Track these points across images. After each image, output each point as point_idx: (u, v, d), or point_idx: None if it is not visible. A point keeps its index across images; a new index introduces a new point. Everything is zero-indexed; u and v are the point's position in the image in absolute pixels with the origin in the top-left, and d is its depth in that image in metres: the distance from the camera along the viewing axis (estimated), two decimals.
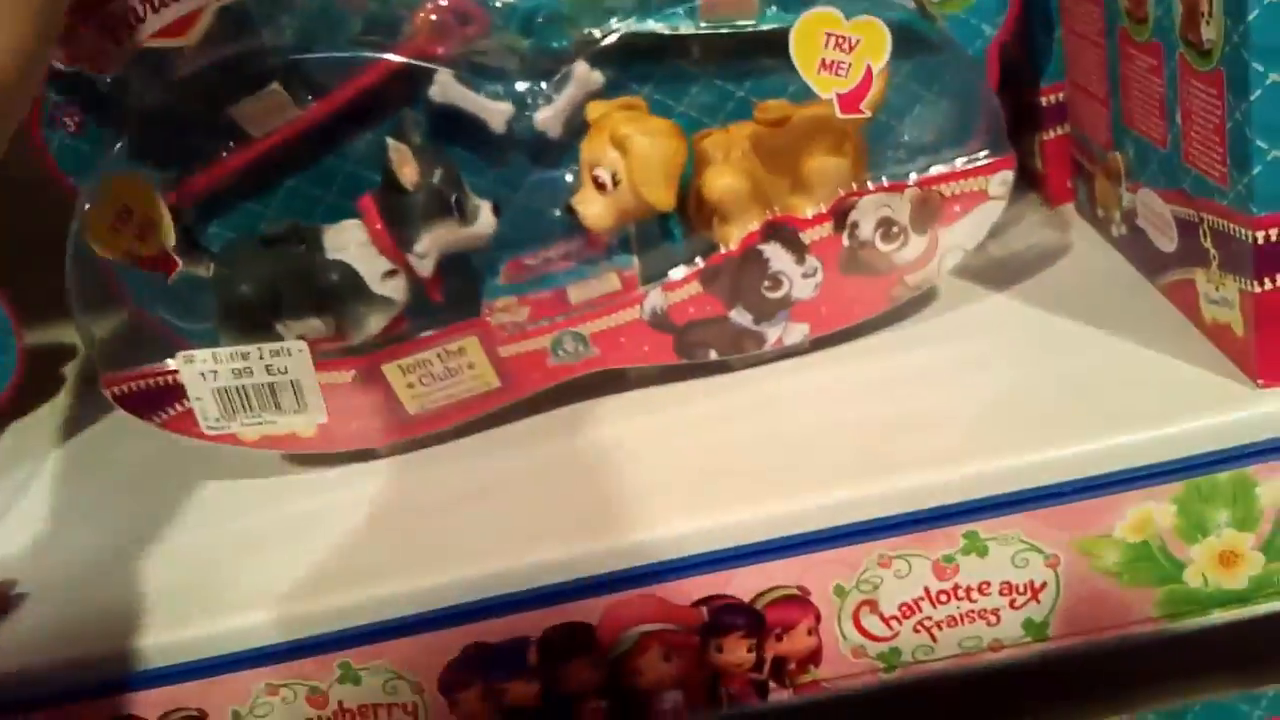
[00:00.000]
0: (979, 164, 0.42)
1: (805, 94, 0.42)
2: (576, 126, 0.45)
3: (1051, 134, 0.53)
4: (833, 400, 0.42)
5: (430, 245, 0.41)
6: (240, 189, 0.46)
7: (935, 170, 0.42)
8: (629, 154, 0.40)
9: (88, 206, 0.39)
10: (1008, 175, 0.42)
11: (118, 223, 0.39)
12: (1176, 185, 0.40)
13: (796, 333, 0.44)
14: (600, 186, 0.42)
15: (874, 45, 0.38)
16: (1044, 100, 0.53)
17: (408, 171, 0.40)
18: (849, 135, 0.41)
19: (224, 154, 0.44)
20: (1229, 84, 0.34)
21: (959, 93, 0.46)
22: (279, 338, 0.43)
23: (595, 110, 0.43)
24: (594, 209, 0.42)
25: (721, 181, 0.42)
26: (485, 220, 0.42)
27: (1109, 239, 0.49)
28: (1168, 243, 0.42)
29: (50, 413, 0.61)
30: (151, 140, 0.42)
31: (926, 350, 0.44)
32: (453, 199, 0.41)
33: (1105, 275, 0.46)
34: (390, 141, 0.39)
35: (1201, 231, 0.38)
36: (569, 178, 0.47)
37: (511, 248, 0.48)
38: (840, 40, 0.38)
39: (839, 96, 0.39)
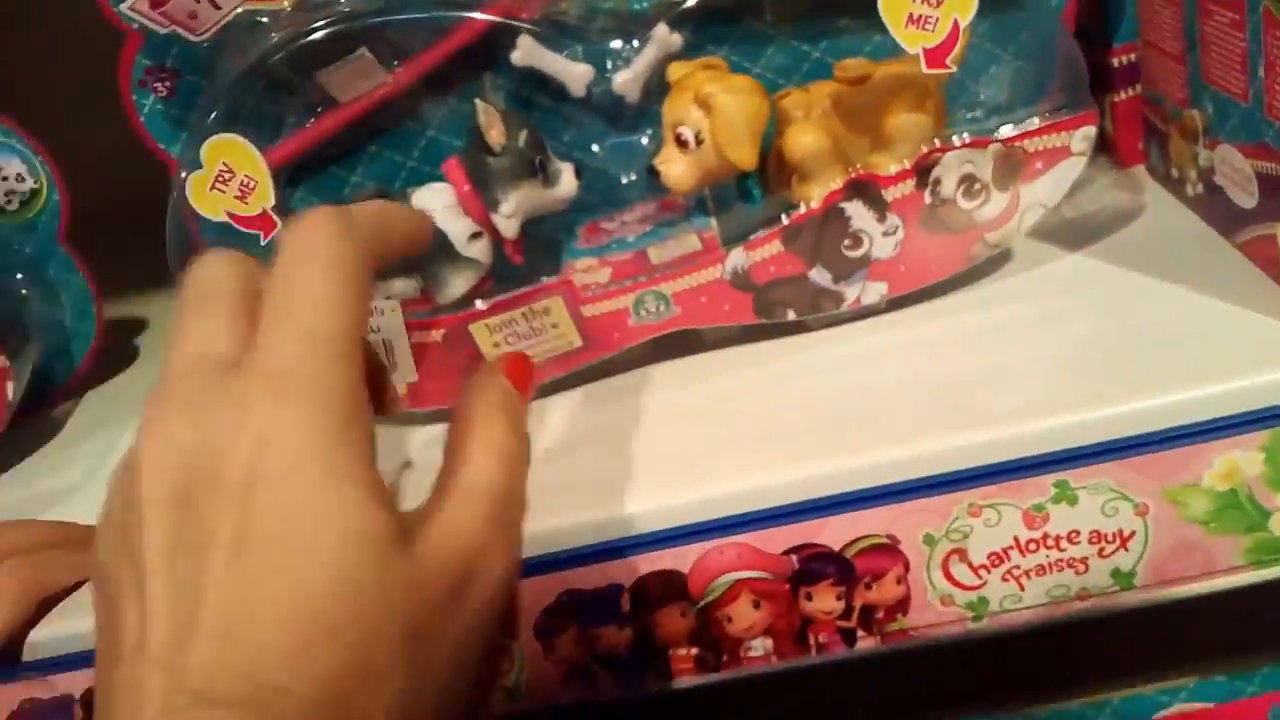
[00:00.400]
0: (1062, 119, 0.42)
1: (881, 53, 0.43)
2: (653, 89, 0.46)
3: (1122, 95, 0.53)
4: (916, 356, 0.42)
5: (516, 206, 0.42)
6: (326, 154, 0.47)
7: (1019, 126, 0.43)
8: (714, 112, 0.41)
9: (187, 172, 0.40)
10: (1090, 131, 0.42)
11: (219, 183, 0.40)
12: (1258, 139, 0.40)
13: (874, 292, 0.45)
14: (683, 145, 0.42)
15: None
16: (1115, 61, 0.53)
17: (495, 133, 0.41)
18: (931, 92, 0.42)
19: (311, 119, 0.45)
20: None
21: (1040, 47, 0.46)
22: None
23: (677, 70, 0.43)
24: (677, 168, 0.42)
25: (804, 139, 0.42)
26: (568, 183, 0.43)
27: (1183, 199, 0.49)
28: (1248, 199, 0.42)
29: (128, 381, 0.63)
30: (244, 105, 0.43)
31: (1005, 308, 0.44)
32: (537, 161, 0.42)
33: (1181, 233, 0.47)
34: (479, 103, 0.40)
35: None
36: (645, 141, 0.48)
37: (588, 211, 0.49)
38: None
39: (925, 52, 0.39)
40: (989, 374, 0.40)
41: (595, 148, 0.49)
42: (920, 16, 0.38)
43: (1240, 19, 0.40)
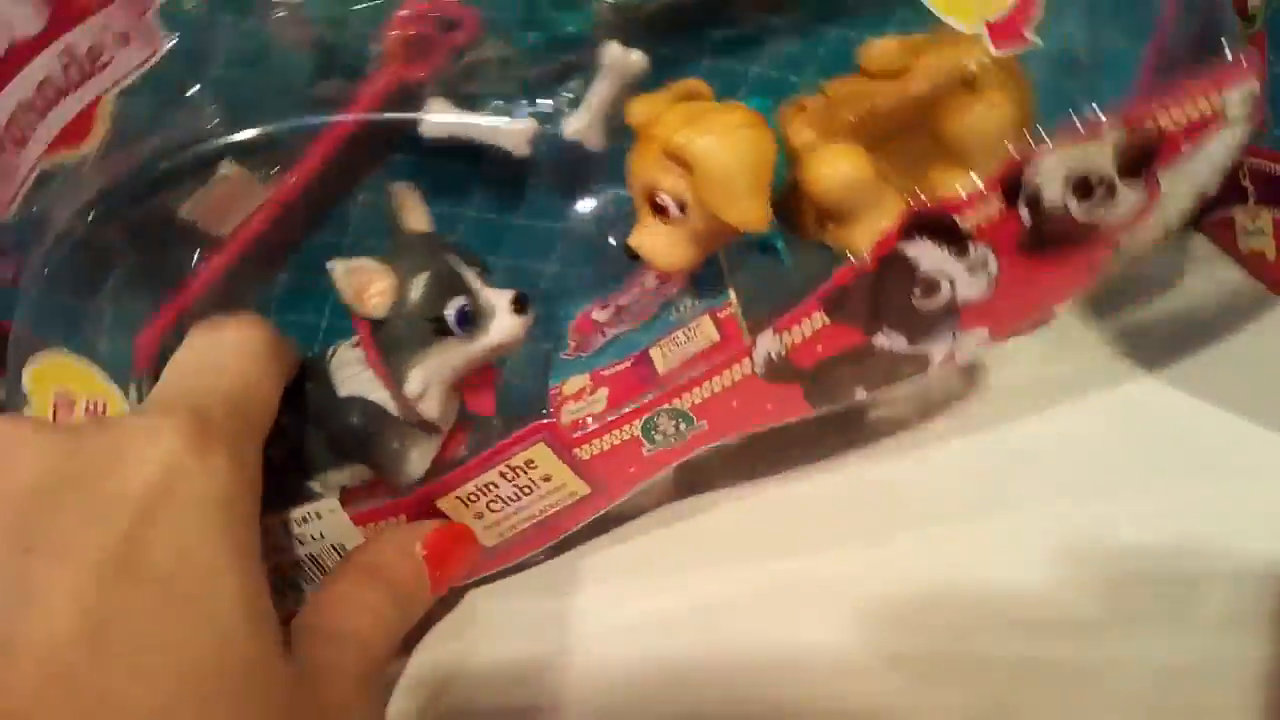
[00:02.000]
0: (1206, 79, 0.28)
1: (917, 24, 0.30)
2: (621, 126, 0.34)
3: None
4: None
5: (424, 382, 0.30)
6: (226, 303, 0.36)
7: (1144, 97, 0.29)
8: (695, 166, 0.29)
9: (19, 408, 0.30)
10: (1249, 90, 0.28)
11: (60, 414, 0.30)
12: None
13: (971, 342, 0.32)
14: (662, 213, 0.30)
15: None
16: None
17: (374, 298, 0.29)
18: (1009, 70, 0.29)
19: (190, 267, 0.34)
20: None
21: None
22: (314, 495, 0.33)
23: (639, 110, 0.31)
24: (660, 244, 0.31)
25: (832, 170, 0.30)
26: (503, 325, 0.30)
27: None
28: None
29: None
30: (83, 277, 0.33)
31: None
32: (451, 314, 0.29)
33: None
34: (335, 266, 0.28)
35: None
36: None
37: (575, 298, 0.37)
38: None
39: (990, 27, 0.26)
40: None
41: (573, 211, 0.37)
42: None
43: None
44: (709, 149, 0.28)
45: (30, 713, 0.19)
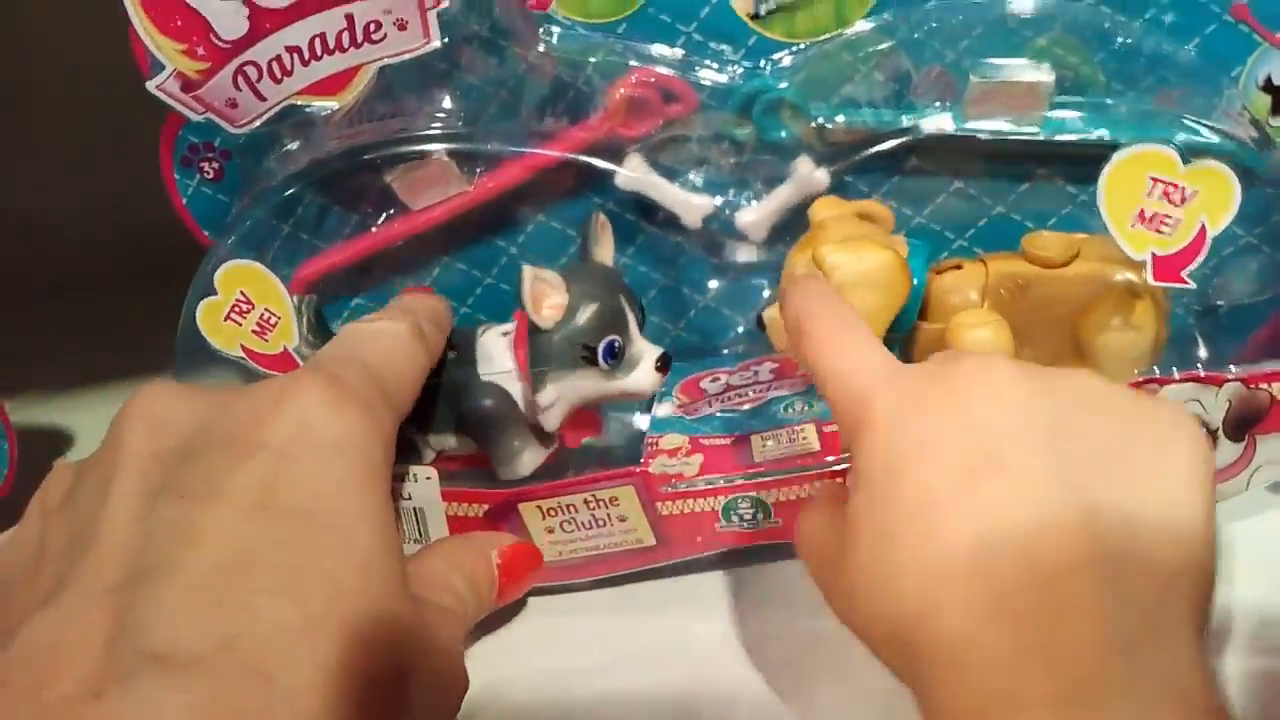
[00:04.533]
0: None
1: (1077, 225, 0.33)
2: (785, 230, 0.37)
3: None
4: None
5: (555, 396, 0.33)
6: (389, 262, 0.39)
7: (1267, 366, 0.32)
8: (826, 275, 0.32)
9: (202, 296, 0.34)
10: None
11: (234, 314, 0.33)
12: None
13: None
14: None
15: (1216, 199, 0.28)
16: None
17: (547, 310, 0.32)
18: (1154, 296, 0.31)
19: (378, 223, 0.38)
20: None
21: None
22: (414, 448, 0.36)
23: (821, 210, 0.34)
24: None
25: (975, 334, 0.32)
26: (643, 375, 0.33)
27: None
28: None
29: None
30: (299, 201, 0.36)
31: None
32: (601, 346, 0.32)
33: None
34: (525, 271, 0.31)
35: None
36: (766, 292, 0.40)
37: (689, 360, 0.40)
38: (1170, 189, 0.28)
39: (1155, 259, 0.29)
40: None
41: (713, 284, 0.40)
42: (1155, 215, 0.28)
43: None
44: (838, 264, 0.31)
45: (182, 629, 0.22)
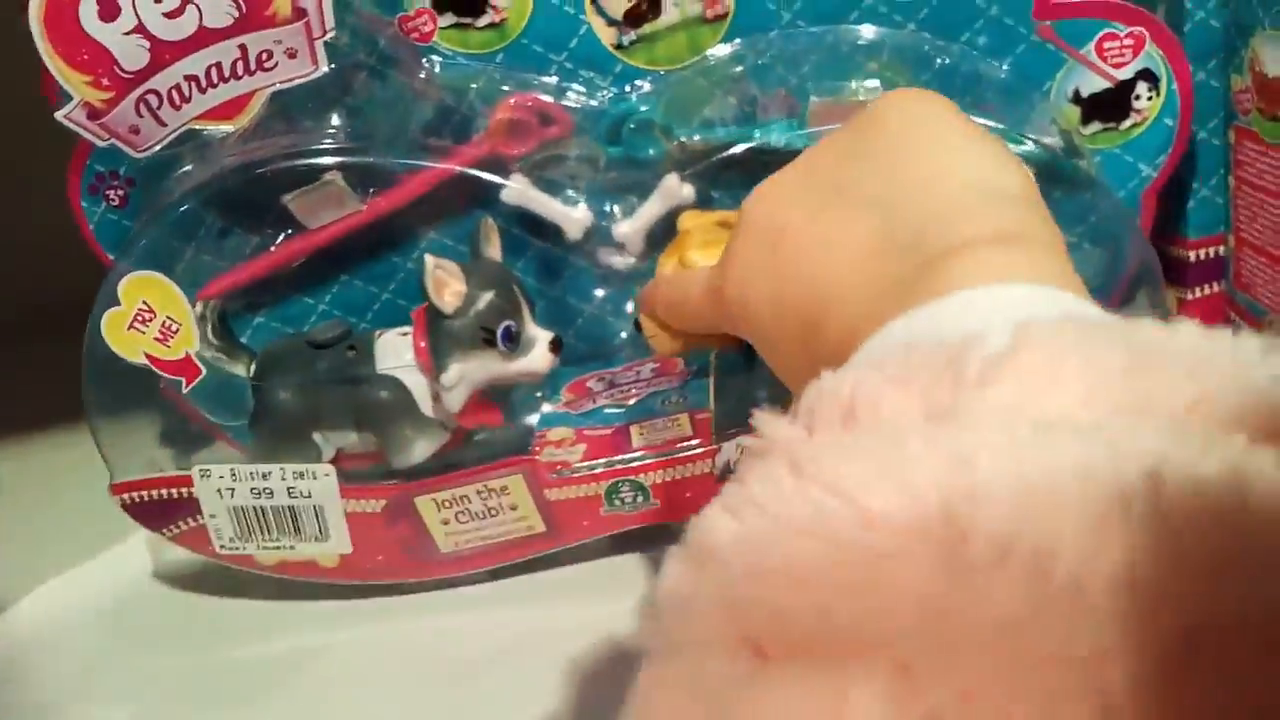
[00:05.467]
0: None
1: None
2: (660, 239, 0.41)
3: (1199, 293, 0.46)
4: None
5: (458, 377, 0.36)
6: (293, 280, 0.42)
7: None
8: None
9: (106, 308, 0.36)
10: None
11: (137, 323, 0.36)
12: None
13: None
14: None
15: None
16: (1193, 255, 0.45)
17: (448, 295, 0.35)
18: None
19: (276, 242, 0.40)
20: None
21: (1105, 240, 0.40)
22: (315, 447, 0.38)
23: (687, 220, 0.38)
24: (663, 331, 0.37)
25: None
26: (537, 356, 0.36)
27: None
28: None
29: None
30: (200, 222, 0.38)
31: None
32: (499, 329, 0.36)
33: None
34: (428, 260, 0.35)
35: None
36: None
37: (580, 362, 0.43)
38: None
39: None
40: None
41: (597, 293, 0.44)
42: None
43: None
44: (699, 262, 0.34)
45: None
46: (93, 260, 0.41)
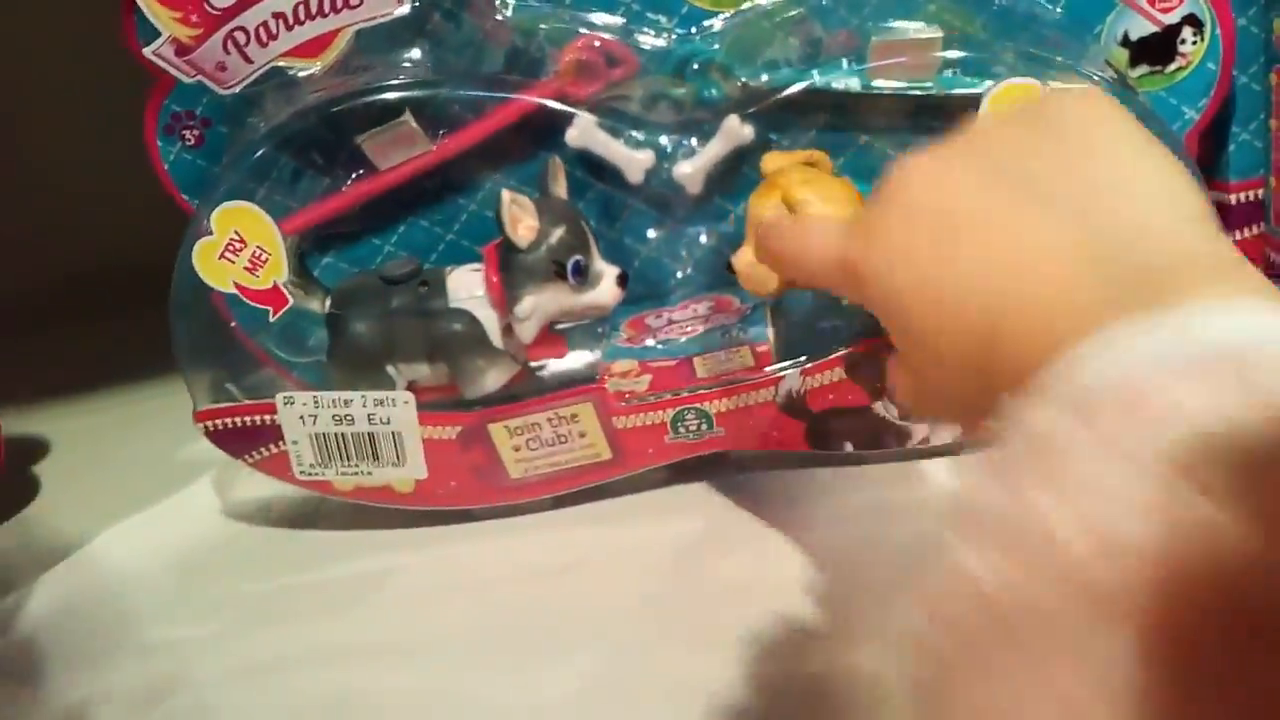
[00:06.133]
0: None
1: None
2: (717, 181, 0.42)
3: (1241, 234, 0.47)
4: None
5: (532, 308, 0.38)
6: (361, 220, 0.43)
7: None
8: (802, 211, 0.36)
9: (199, 237, 0.37)
10: None
11: (228, 252, 0.37)
12: None
13: (947, 431, 0.40)
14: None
15: None
16: (1234, 198, 0.47)
17: (521, 230, 0.37)
18: None
19: (348, 183, 0.41)
20: None
21: None
22: (389, 379, 0.40)
23: (772, 161, 0.39)
24: (759, 270, 0.38)
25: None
26: (605, 290, 0.38)
27: None
28: None
29: (32, 524, 0.48)
30: (275, 163, 0.40)
31: None
32: (569, 263, 0.37)
33: None
34: (504, 194, 0.36)
35: None
36: (703, 237, 0.44)
37: (636, 302, 0.44)
38: None
39: None
40: None
41: (651, 234, 0.45)
42: None
43: None
44: (818, 207, 0.36)
45: None
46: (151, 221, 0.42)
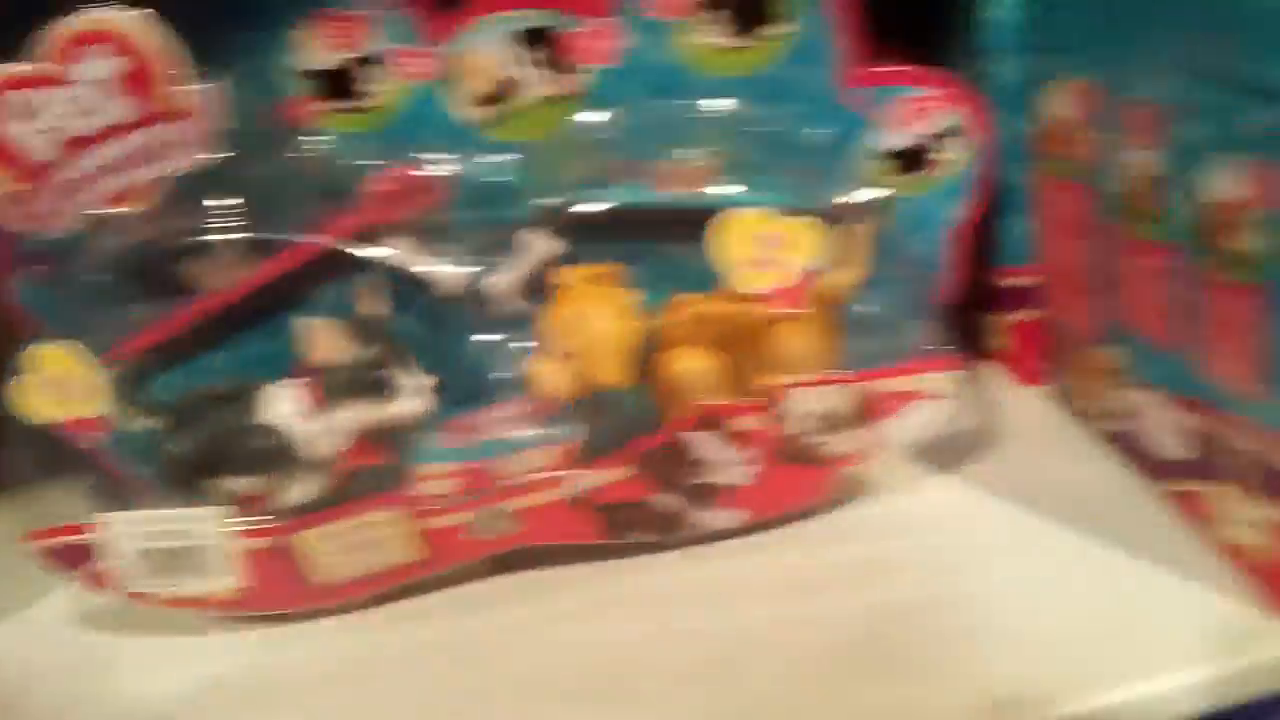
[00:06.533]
0: (920, 360, 0.40)
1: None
2: (532, 291, 0.45)
3: (1019, 316, 0.51)
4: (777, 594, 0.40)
5: (340, 423, 0.41)
6: (194, 342, 0.46)
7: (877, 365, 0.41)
8: (580, 331, 0.42)
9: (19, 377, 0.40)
10: (952, 375, 0.40)
11: (48, 389, 0.40)
12: (1191, 393, 0.38)
13: (728, 518, 0.43)
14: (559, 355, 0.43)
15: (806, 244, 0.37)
16: (1008, 283, 0.51)
17: (317, 354, 0.41)
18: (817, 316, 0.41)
19: (176, 310, 0.45)
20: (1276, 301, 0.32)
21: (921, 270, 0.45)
22: (214, 491, 0.42)
23: (565, 278, 0.44)
24: (548, 375, 0.43)
25: (679, 365, 0.42)
26: (414, 402, 0.42)
27: (1092, 430, 0.47)
28: (1175, 449, 0.40)
29: None
30: (106, 295, 0.43)
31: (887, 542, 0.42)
32: (372, 378, 0.41)
33: (1089, 470, 0.44)
34: (299, 323, 0.40)
35: (1224, 448, 0.36)
36: (524, 343, 0.47)
37: (461, 404, 0.47)
38: (769, 239, 0.37)
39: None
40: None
41: (473, 340, 0.48)
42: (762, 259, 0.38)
43: (1168, 266, 0.38)
44: (592, 321, 0.42)
45: None
46: None
